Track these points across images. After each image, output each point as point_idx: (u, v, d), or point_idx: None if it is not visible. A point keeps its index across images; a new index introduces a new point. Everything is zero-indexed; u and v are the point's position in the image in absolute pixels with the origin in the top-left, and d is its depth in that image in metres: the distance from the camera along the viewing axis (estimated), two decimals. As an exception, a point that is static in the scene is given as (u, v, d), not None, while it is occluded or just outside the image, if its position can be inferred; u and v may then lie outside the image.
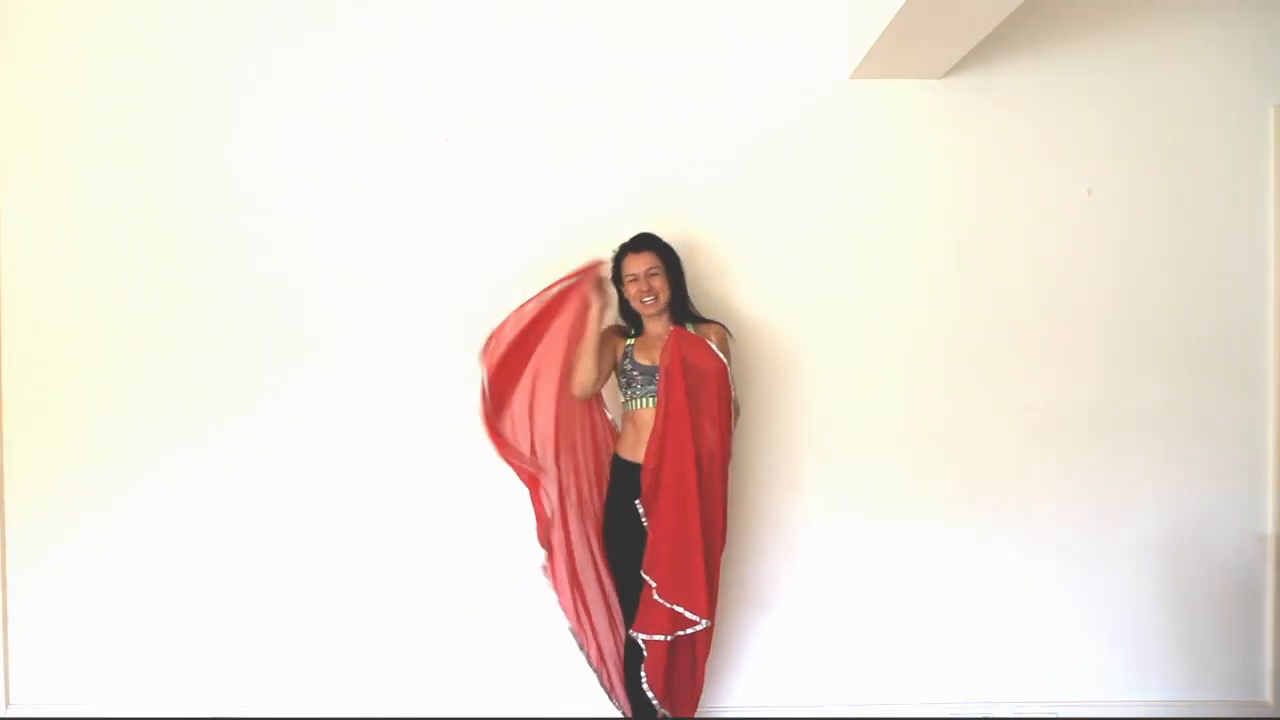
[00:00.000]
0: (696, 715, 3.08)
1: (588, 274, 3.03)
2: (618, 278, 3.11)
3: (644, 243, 3.09)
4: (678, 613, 2.88)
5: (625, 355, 3.09)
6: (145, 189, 3.42)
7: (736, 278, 3.42)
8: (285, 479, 3.43)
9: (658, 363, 3.00)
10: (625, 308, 3.16)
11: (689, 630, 2.90)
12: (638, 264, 3.06)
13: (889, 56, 3.19)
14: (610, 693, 3.16)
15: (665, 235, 3.13)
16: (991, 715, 3.46)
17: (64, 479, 3.43)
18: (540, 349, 3.08)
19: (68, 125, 3.42)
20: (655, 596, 2.89)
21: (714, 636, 3.08)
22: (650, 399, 3.01)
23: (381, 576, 3.44)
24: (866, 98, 3.41)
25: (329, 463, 3.43)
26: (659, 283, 3.05)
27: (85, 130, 3.42)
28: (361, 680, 3.45)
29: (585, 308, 3.00)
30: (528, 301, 3.06)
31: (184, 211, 3.42)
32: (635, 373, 3.04)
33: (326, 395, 3.42)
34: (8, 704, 3.46)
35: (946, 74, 3.38)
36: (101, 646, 3.46)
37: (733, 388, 3.08)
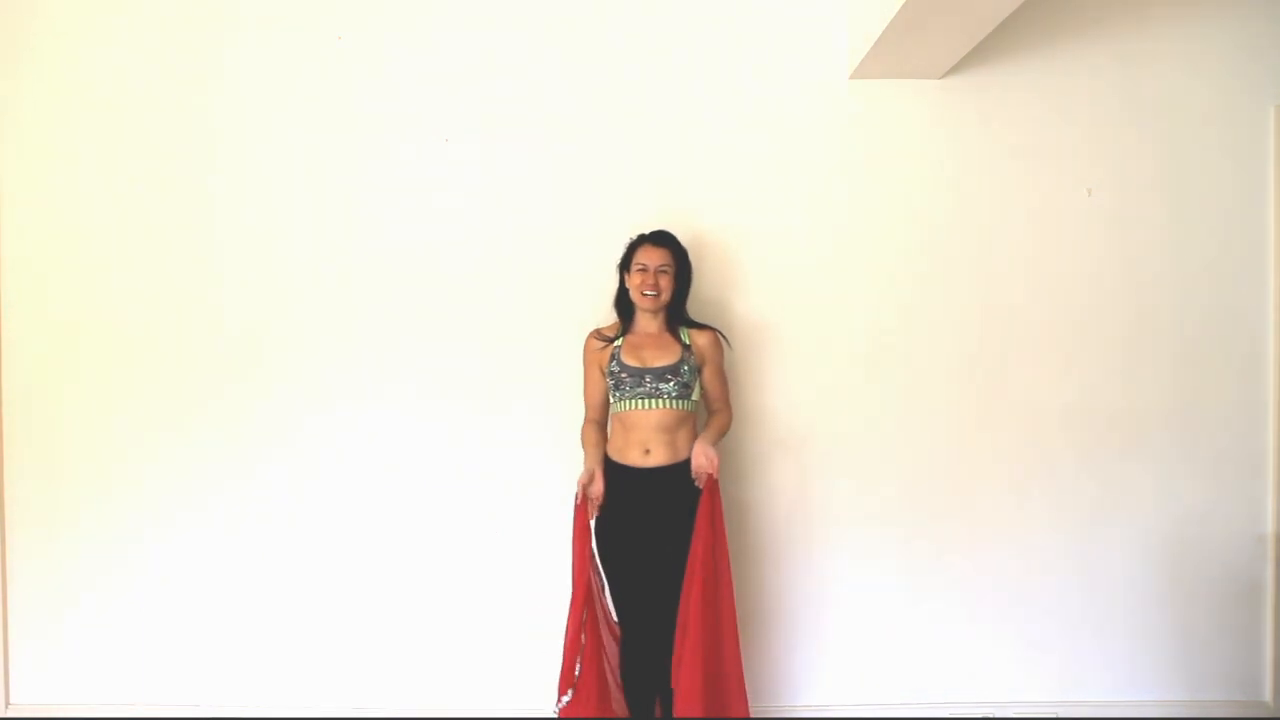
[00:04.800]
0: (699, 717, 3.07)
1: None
2: (625, 265, 3.12)
3: (663, 239, 3.11)
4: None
5: (612, 358, 3.08)
6: (145, 190, 3.42)
7: (736, 279, 3.42)
8: (285, 479, 3.43)
9: (646, 364, 3.01)
10: (619, 300, 3.16)
11: None
12: (652, 256, 3.07)
13: (889, 56, 3.19)
14: None
15: (664, 235, 3.14)
16: (991, 715, 3.46)
17: (64, 479, 3.44)
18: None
19: (68, 125, 3.42)
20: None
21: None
22: (639, 400, 3.00)
23: (381, 574, 3.45)
24: (866, 98, 3.41)
25: (329, 461, 3.43)
26: (665, 281, 3.06)
27: (86, 130, 3.42)
28: (362, 680, 3.45)
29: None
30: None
31: (183, 212, 3.42)
32: (624, 375, 3.03)
33: (327, 395, 3.42)
34: (8, 704, 3.47)
35: (946, 74, 3.38)
36: (101, 646, 3.46)
37: (726, 385, 3.14)
